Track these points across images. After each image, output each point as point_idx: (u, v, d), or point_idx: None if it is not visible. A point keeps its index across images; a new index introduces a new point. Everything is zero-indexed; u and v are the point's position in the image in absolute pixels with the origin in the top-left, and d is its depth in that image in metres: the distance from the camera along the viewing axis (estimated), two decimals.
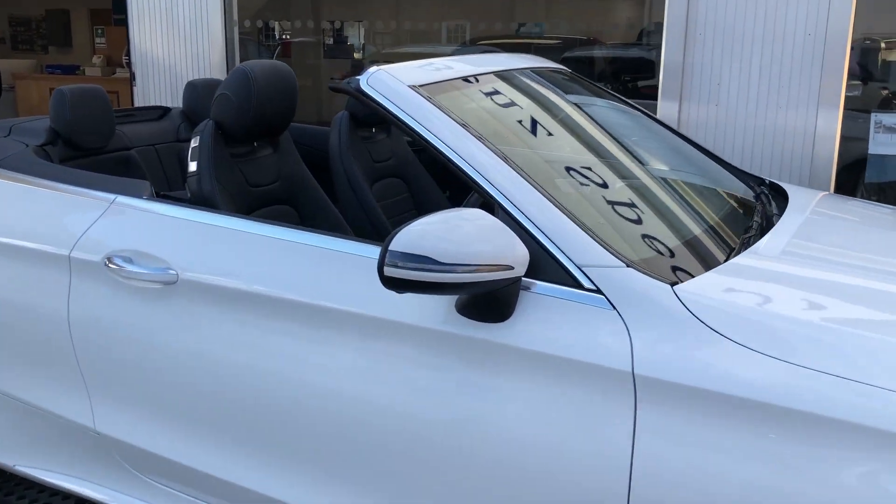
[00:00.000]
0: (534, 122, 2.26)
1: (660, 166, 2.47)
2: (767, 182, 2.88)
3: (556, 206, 1.81)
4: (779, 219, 2.29)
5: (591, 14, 5.85)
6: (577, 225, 1.78)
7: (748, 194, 2.57)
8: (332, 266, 1.98)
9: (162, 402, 2.21)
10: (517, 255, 1.71)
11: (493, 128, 2.06)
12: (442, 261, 1.64)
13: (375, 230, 3.03)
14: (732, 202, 2.41)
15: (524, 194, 1.82)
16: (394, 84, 2.01)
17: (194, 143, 2.43)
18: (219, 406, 2.11)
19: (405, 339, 1.86)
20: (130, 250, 2.22)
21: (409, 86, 2.02)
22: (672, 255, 1.89)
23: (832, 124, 4.00)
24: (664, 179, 2.36)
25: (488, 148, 1.89)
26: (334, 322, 1.94)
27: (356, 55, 6.39)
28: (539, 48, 5.89)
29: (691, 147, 2.81)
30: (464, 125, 1.93)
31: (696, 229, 2.07)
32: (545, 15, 5.88)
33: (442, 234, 1.66)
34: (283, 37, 6.56)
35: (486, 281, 1.66)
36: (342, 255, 1.98)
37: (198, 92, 3.39)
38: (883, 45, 4.93)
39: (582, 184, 2.04)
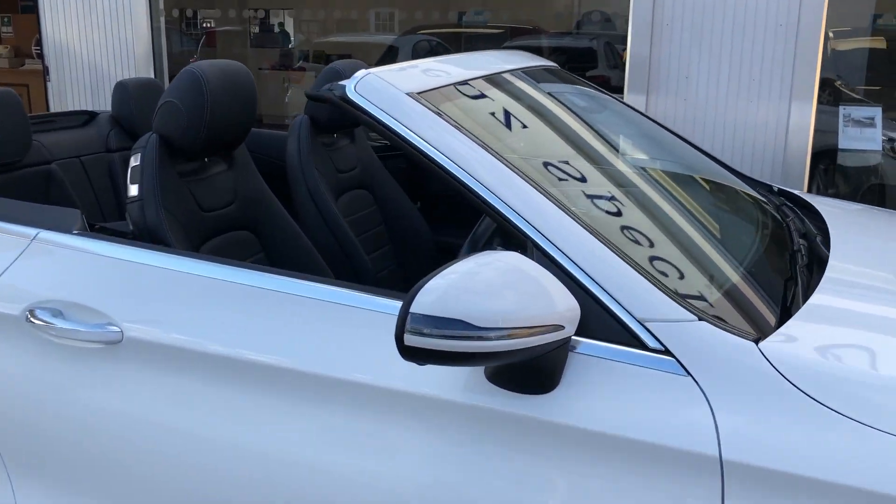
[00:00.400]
0: (563, 139, 1.91)
1: (696, 188, 2.14)
2: (776, 189, 2.61)
3: (608, 247, 1.46)
4: (825, 240, 2.00)
5: (531, 2, 5.59)
6: (636, 269, 1.44)
7: (776, 211, 2.28)
8: (317, 320, 1.60)
9: (102, 487, 1.79)
10: (567, 309, 1.36)
11: (516, 147, 1.70)
12: (477, 324, 1.28)
13: (343, 252, 2.65)
14: (770, 224, 2.10)
15: (567, 233, 1.46)
16: (389, 92, 1.64)
17: (134, 161, 2.01)
18: (174, 492, 1.70)
19: (412, 411, 1.49)
20: (59, 301, 1.79)
21: (406, 93, 1.65)
22: (743, 300, 1.56)
23: (806, 117, 3.87)
24: (704, 203, 2.03)
25: (518, 175, 1.53)
26: (325, 392, 1.56)
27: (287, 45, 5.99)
28: (478, 37, 5.61)
29: (705, 157, 2.51)
30: (490, 149, 1.57)
31: (755, 263, 1.75)
32: (482, 2, 5.58)
33: (474, 289, 1.30)
34: (205, 25, 6.07)
35: (534, 346, 1.32)
36: (326, 304, 1.61)
37: (129, 93, 2.94)
38: (831, 34, 4.83)
39: (634, 221, 1.69)
